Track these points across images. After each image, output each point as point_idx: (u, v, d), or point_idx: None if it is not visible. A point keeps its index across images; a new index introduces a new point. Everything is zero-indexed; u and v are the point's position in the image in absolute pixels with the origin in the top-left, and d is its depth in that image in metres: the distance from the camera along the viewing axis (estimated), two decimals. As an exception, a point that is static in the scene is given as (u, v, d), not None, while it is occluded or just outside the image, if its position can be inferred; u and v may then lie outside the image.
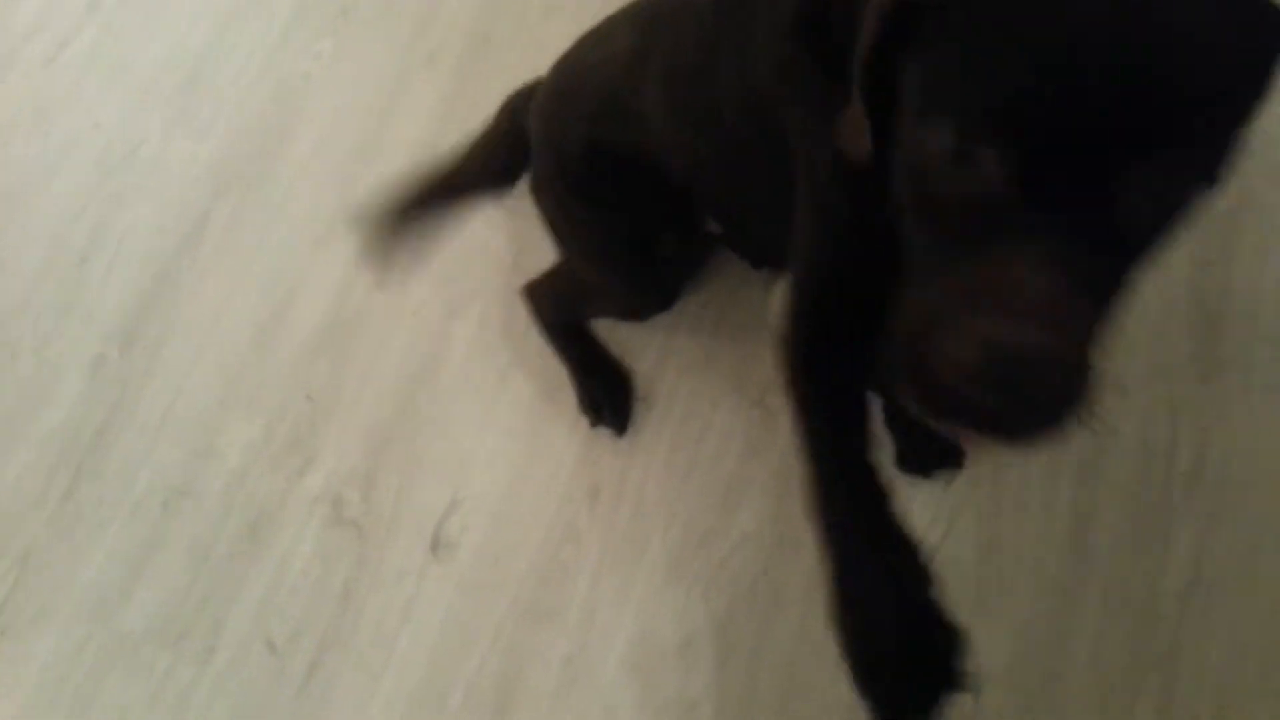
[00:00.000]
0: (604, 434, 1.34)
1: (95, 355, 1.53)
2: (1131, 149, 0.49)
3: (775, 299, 1.07)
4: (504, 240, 1.48)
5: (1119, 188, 0.50)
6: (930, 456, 1.22)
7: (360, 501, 1.36)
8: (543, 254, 1.34)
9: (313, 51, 1.72)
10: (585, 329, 1.37)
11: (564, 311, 1.35)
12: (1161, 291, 1.27)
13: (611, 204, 1.09)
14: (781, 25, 0.73)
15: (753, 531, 1.27)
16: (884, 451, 1.18)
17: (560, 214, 1.19)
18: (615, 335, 1.39)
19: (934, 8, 0.54)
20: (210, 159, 1.66)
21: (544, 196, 1.20)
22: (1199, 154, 0.51)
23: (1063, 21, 0.49)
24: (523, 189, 1.26)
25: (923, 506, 1.23)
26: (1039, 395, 0.51)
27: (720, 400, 1.33)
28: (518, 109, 1.25)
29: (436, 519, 1.33)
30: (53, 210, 1.67)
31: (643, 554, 1.28)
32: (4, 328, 1.58)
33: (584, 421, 1.35)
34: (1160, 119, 0.49)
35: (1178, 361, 1.25)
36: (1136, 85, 0.48)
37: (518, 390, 1.40)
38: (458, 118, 1.52)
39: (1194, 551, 1.16)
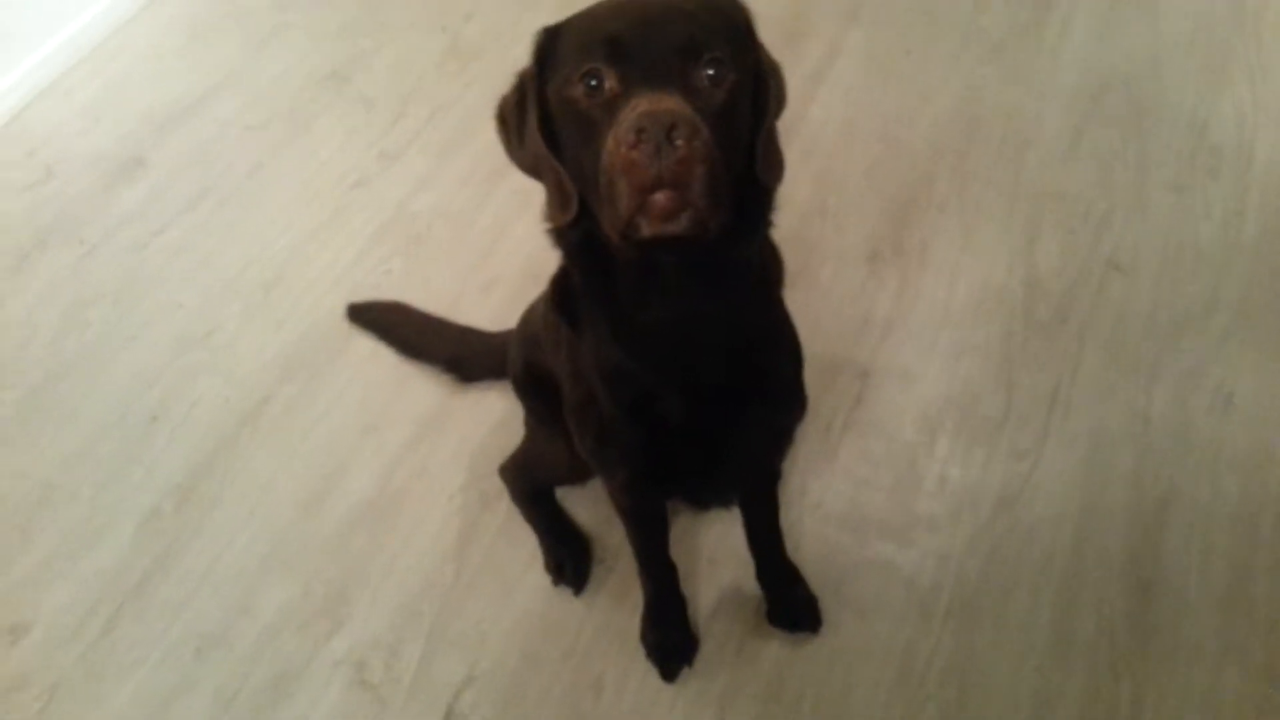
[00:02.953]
0: (610, 625, 1.50)
1: (151, 507, 1.67)
2: (674, 52, 0.85)
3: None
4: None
5: (686, 73, 0.86)
6: (793, 615, 1.49)
7: (383, 668, 1.47)
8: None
9: (384, 267, 1.99)
10: (551, 499, 1.62)
11: (526, 479, 1.61)
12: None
13: (545, 399, 1.37)
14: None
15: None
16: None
17: (523, 403, 1.54)
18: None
19: (550, 44, 0.93)
20: (280, 348, 1.88)
21: (516, 391, 1.55)
22: (719, 55, 0.87)
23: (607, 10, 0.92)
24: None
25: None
26: (679, 142, 0.79)
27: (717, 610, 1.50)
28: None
29: (452, 692, 1.45)
30: (128, 373, 1.86)
31: (641, 744, 1.40)
32: (68, 470, 1.73)
33: (595, 613, 1.51)
34: (677, 38, 0.85)
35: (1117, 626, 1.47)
36: (654, 26, 0.87)
37: (536, 580, 1.56)
38: (504, 338, 1.76)
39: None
